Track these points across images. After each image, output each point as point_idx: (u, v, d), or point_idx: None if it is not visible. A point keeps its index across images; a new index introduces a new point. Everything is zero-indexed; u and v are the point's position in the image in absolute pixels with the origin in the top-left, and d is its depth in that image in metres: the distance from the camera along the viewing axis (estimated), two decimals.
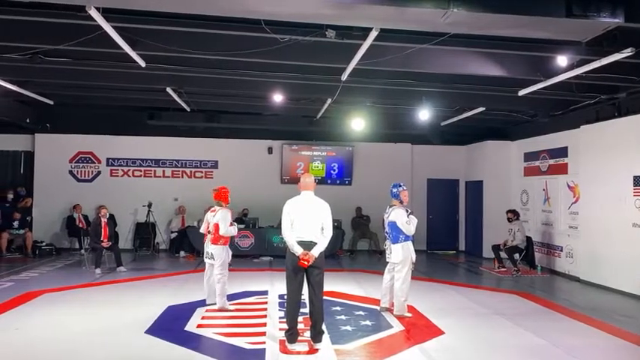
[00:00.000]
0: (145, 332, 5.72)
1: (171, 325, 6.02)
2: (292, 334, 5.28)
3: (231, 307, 6.91)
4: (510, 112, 10.94)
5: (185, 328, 5.93)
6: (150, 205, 12.42)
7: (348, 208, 13.02)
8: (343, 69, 7.57)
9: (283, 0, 5.04)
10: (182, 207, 12.90)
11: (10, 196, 12.28)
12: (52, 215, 12.77)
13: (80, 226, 12.26)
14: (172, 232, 12.75)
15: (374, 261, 11.86)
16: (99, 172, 13.24)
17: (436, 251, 13.84)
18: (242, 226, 11.80)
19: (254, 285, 8.55)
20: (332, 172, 13.80)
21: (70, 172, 13.14)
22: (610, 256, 8.75)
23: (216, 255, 6.84)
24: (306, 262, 5.15)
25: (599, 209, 9.09)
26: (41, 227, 12.58)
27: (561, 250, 10.52)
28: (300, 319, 5.49)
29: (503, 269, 10.41)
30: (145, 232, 12.65)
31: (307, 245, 5.22)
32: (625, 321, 6.69)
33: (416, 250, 6.87)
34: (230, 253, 7.08)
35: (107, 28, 5.94)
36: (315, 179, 5.69)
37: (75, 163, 13.18)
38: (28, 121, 11.91)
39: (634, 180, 8.29)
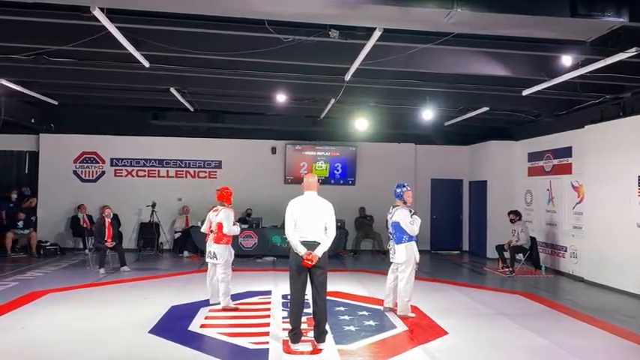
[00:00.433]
0: (149, 332, 5.73)
1: (174, 325, 6.03)
2: (296, 334, 5.28)
3: (235, 307, 6.91)
4: (514, 112, 10.91)
5: (188, 328, 5.94)
6: (154, 205, 12.45)
7: (351, 208, 13.02)
8: (347, 69, 7.57)
9: (286, 0, 5.04)
10: (186, 207, 12.92)
11: (14, 195, 12.32)
12: (57, 215, 12.81)
13: (84, 226, 12.31)
14: (176, 232, 12.77)
15: (377, 261, 11.85)
16: (103, 172, 13.29)
17: (440, 251, 13.81)
18: (245, 226, 11.82)
19: (257, 285, 8.56)
20: (335, 172, 13.79)
21: (75, 172, 13.18)
22: (614, 257, 8.71)
23: (219, 254, 6.85)
24: (309, 262, 5.15)
25: (603, 209, 9.06)
26: (46, 227, 12.62)
27: (565, 251, 10.48)
28: (303, 319, 5.49)
29: (507, 269, 10.38)
30: (148, 232, 12.68)
31: (311, 245, 5.22)
32: (629, 321, 6.67)
33: (419, 250, 6.86)
34: (232, 252, 7.09)
35: (111, 28, 5.96)
36: (318, 179, 5.69)
37: (79, 163, 13.23)
38: (32, 121, 11.96)
39: (639, 180, 8.26)
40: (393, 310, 6.80)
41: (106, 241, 9.89)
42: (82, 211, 12.55)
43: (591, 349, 5.55)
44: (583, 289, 9.13)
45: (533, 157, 11.83)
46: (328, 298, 5.60)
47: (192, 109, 11.47)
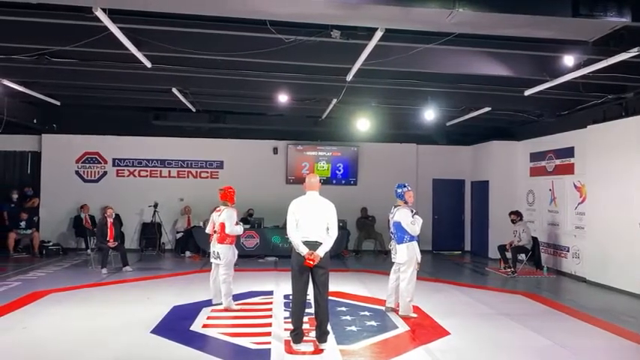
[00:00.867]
0: (151, 332, 5.74)
1: (176, 325, 6.04)
2: (297, 335, 5.28)
3: (237, 307, 6.92)
4: (516, 112, 10.89)
5: (190, 328, 5.95)
6: (156, 206, 12.46)
7: (353, 208, 13.02)
8: (348, 69, 7.57)
9: (289, 0, 5.05)
10: (188, 207, 12.92)
11: (15, 196, 12.34)
12: (59, 215, 12.84)
13: (87, 226, 12.33)
14: (178, 232, 12.78)
15: (379, 261, 11.84)
16: (105, 173, 13.30)
17: (442, 251, 13.81)
18: (247, 226, 11.82)
19: (259, 285, 8.56)
20: (337, 172, 13.80)
21: (77, 173, 13.20)
22: (617, 257, 8.70)
23: (222, 254, 6.85)
24: (311, 262, 5.16)
25: (605, 209, 9.04)
26: (48, 227, 12.65)
27: (568, 251, 10.47)
28: (305, 319, 5.50)
29: (509, 270, 10.36)
30: (150, 232, 12.70)
31: (312, 245, 5.23)
32: (632, 322, 6.65)
33: (421, 251, 6.85)
34: (236, 252, 7.09)
35: (113, 29, 5.98)
36: (320, 179, 5.69)
37: (81, 163, 13.25)
38: (35, 121, 11.99)
39: None
40: (395, 311, 6.79)
41: (108, 241, 9.91)
42: (84, 211, 12.58)
43: (593, 349, 5.55)
44: (585, 289, 9.12)
45: (536, 157, 11.81)
46: (330, 298, 5.60)
47: (194, 110, 11.48)
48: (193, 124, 12.70)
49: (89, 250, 11.34)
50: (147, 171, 13.45)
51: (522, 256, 10.65)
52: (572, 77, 7.47)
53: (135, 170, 13.42)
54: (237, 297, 7.30)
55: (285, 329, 5.78)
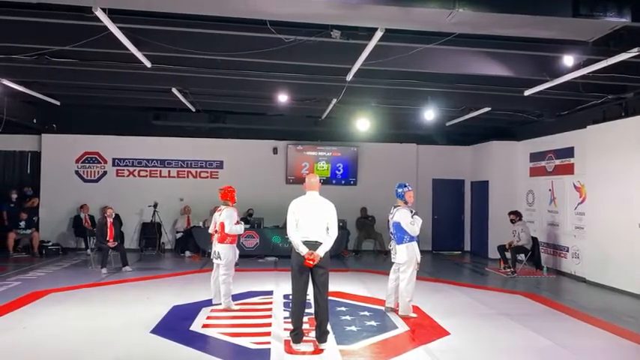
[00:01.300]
0: (151, 332, 5.74)
1: (176, 325, 6.03)
2: (297, 334, 5.28)
3: (236, 307, 6.92)
4: (516, 112, 10.90)
5: (190, 328, 5.94)
6: (155, 205, 12.46)
7: (353, 208, 13.02)
8: (348, 69, 7.57)
9: (289, 0, 5.04)
10: (187, 207, 12.92)
11: (15, 195, 12.34)
12: (59, 215, 12.84)
13: (86, 226, 12.33)
14: (178, 232, 12.79)
15: (379, 261, 11.85)
16: (105, 172, 13.30)
17: (441, 251, 13.81)
18: (247, 226, 11.81)
19: (259, 285, 8.56)
20: (337, 172, 13.80)
21: (77, 173, 13.20)
22: (616, 257, 8.70)
23: (223, 254, 6.84)
24: (311, 262, 5.15)
25: (605, 210, 9.05)
26: (48, 227, 12.65)
27: (567, 251, 10.47)
28: (305, 319, 5.49)
29: (509, 270, 10.36)
30: (150, 232, 12.70)
31: (312, 245, 5.23)
32: (632, 322, 6.65)
33: (421, 251, 6.85)
34: (237, 252, 7.09)
35: (113, 28, 5.98)
36: (320, 179, 5.69)
37: (81, 163, 13.25)
38: (34, 121, 12.00)
39: None
40: (395, 311, 6.79)
41: (107, 241, 9.91)
42: (84, 211, 12.57)
43: (594, 349, 5.55)
44: (585, 289, 9.12)
45: (535, 157, 11.81)
46: (330, 298, 5.60)
47: (193, 110, 11.48)
48: (193, 124, 12.70)
49: (89, 250, 11.33)
50: (147, 171, 13.45)
51: (522, 256, 10.65)
52: (572, 77, 7.47)
53: (135, 170, 13.41)
54: (236, 297, 7.31)
55: (285, 329, 5.78)
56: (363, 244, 13.09)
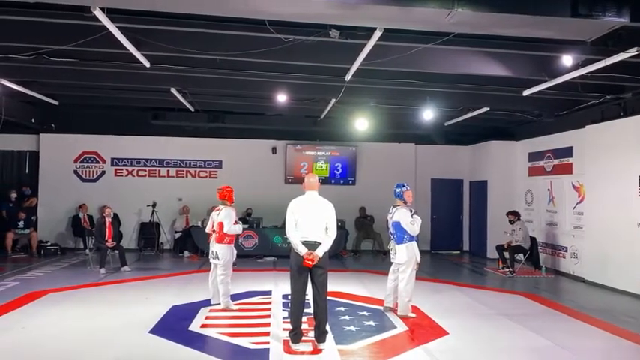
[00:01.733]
0: (149, 332, 5.73)
1: (175, 325, 6.03)
2: (296, 334, 5.28)
3: (235, 307, 6.91)
4: (515, 112, 10.91)
5: (189, 328, 5.94)
6: (154, 205, 12.45)
7: (351, 208, 13.02)
8: (347, 69, 7.57)
9: (289, 0, 5.04)
10: (186, 207, 12.91)
11: (14, 195, 12.32)
12: (57, 215, 12.82)
13: (85, 226, 12.31)
14: (176, 232, 12.78)
15: (378, 261, 11.85)
16: (103, 172, 13.29)
17: (440, 251, 13.82)
18: (245, 226, 11.81)
19: (258, 285, 8.55)
20: (336, 172, 13.80)
21: (75, 172, 13.19)
22: (615, 257, 8.71)
23: (221, 254, 6.84)
24: (310, 262, 5.15)
25: (604, 209, 9.06)
26: (46, 227, 12.63)
27: (566, 251, 10.48)
28: (304, 319, 5.49)
29: (507, 269, 10.37)
30: (149, 231, 12.69)
31: (311, 245, 5.22)
32: (630, 322, 6.66)
33: (420, 250, 6.85)
34: (235, 252, 7.08)
35: (112, 28, 5.97)
36: (319, 179, 5.69)
37: (80, 163, 13.23)
38: (33, 121, 11.97)
39: (639, 180, 8.25)
40: (394, 310, 6.79)
41: (106, 241, 9.90)
42: (83, 210, 12.55)
43: (593, 349, 5.56)
44: (583, 289, 9.13)
45: (534, 157, 11.82)
46: (329, 298, 5.60)
47: (192, 109, 11.47)
48: (192, 123, 12.70)
49: (87, 250, 11.32)
50: (145, 171, 13.44)
51: (520, 256, 10.66)
52: (571, 77, 7.48)
53: (133, 170, 13.40)
54: (235, 297, 7.30)
55: (284, 329, 5.78)
56: (361, 244, 13.08)
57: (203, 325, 6.08)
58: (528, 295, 8.21)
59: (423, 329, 6.08)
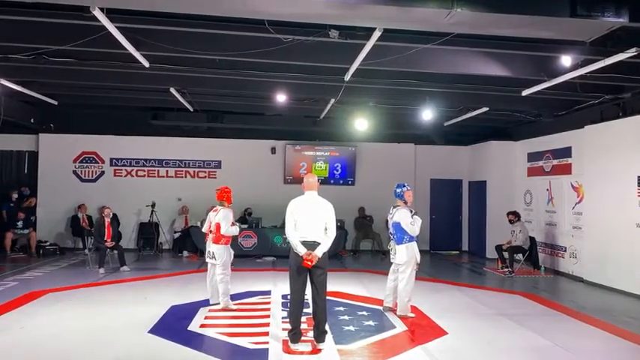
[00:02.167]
0: (148, 332, 5.73)
1: (174, 325, 6.03)
2: (295, 334, 5.28)
3: (235, 307, 6.91)
4: (514, 112, 10.91)
5: (188, 328, 5.94)
6: (153, 205, 12.45)
7: (351, 208, 13.02)
8: (346, 69, 7.57)
9: (287, 0, 5.04)
10: (185, 207, 12.91)
11: (15, 195, 12.32)
12: (56, 215, 12.81)
13: (84, 226, 12.29)
14: (175, 232, 12.78)
15: (377, 261, 11.85)
16: (102, 172, 13.28)
17: (439, 251, 13.82)
18: (245, 226, 11.82)
19: (257, 285, 8.55)
20: (335, 172, 13.80)
21: (74, 172, 13.18)
22: (614, 257, 8.72)
23: (218, 255, 6.83)
24: (309, 262, 5.15)
25: (603, 209, 9.07)
26: (45, 227, 12.62)
27: (565, 251, 10.49)
28: (303, 319, 5.49)
29: (506, 270, 10.38)
30: (148, 231, 12.69)
31: (311, 245, 5.22)
32: (630, 322, 6.66)
33: (419, 251, 6.84)
34: (232, 252, 7.08)
35: (111, 28, 5.96)
36: (318, 179, 5.68)
37: (79, 163, 13.22)
38: (32, 121, 11.96)
39: (638, 180, 8.26)
40: (393, 310, 6.79)
41: (105, 241, 9.89)
42: (82, 211, 12.53)
43: (592, 350, 5.56)
44: (582, 289, 9.13)
45: (533, 157, 11.83)
46: (328, 298, 5.60)
47: (191, 109, 11.47)
48: (191, 123, 12.70)
49: (86, 250, 11.30)
50: (144, 171, 13.43)
51: (520, 256, 10.67)
52: (570, 77, 7.48)
53: (132, 170, 13.40)
54: (234, 297, 7.30)
55: (283, 329, 5.78)
56: (361, 244, 13.08)
57: (202, 325, 6.08)
58: (527, 295, 8.21)
59: (423, 329, 6.08)
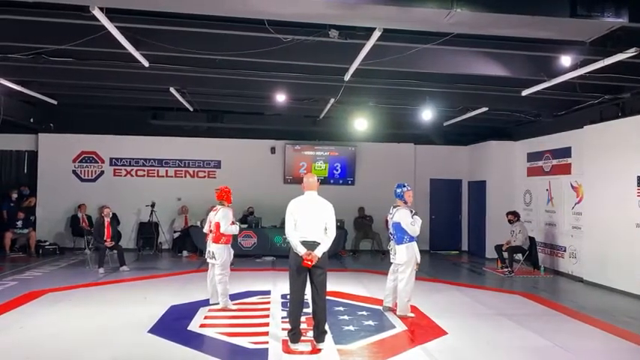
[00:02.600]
0: (148, 332, 5.73)
1: (174, 325, 6.03)
2: (295, 334, 5.28)
3: (234, 307, 6.91)
4: (514, 112, 10.91)
5: (188, 328, 5.94)
6: (153, 205, 12.44)
7: (350, 208, 13.02)
8: (346, 69, 7.57)
9: (287, 0, 5.04)
10: (185, 207, 12.91)
11: (15, 195, 12.31)
12: (56, 215, 12.80)
13: (84, 225, 12.29)
14: (175, 232, 12.78)
15: (376, 261, 11.86)
16: (102, 172, 13.28)
17: (439, 251, 13.82)
18: (244, 225, 11.81)
19: (257, 285, 8.55)
20: (335, 172, 13.80)
21: (74, 172, 13.17)
22: (614, 257, 8.72)
23: (217, 254, 6.83)
24: (309, 263, 5.15)
25: (602, 209, 9.07)
26: (45, 227, 12.62)
27: (564, 251, 10.49)
28: (303, 318, 5.50)
29: (506, 270, 10.38)
30: (148, 231, 12.68)
31: (310, 245, 5.22)
32: (629, 322, 6.67)
33: (419, 251, 6.84)
34: (232, 252, 7.07)
35: (111, 28, 5.96)
36: (318, 179, 5.68)
37: (78, 162, 13.22)
38: (31, 120, 11.94)
39: (638, 180, 8.27)
40: (393, 310, 6.79)
41: (105, 241, 9.89)
42: (82, 210, 12.53)
43: (592, 350, 5.56)
44: (582, 289, 9.14)
45: (533, 157, 11.84)
46: (328, 297, 5.60)
47: (191, 109, 11.46)
48: (191, 123, 12.69)
49: (87, 250, 11.29)
50: (144, 170, 13.43)
51: (519, 256, 10.67)
52: (570, 77, 7.48)
53: (132, 170, 13.39)
54: (234, 297, 7.30)
55: (283, 329, 5.78)
56: (360, 244, 13.08)
57: (202, 325, 6.08)
58: (527, 295, 8.21)
59: (422, 329, 6.09)
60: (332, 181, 13.63)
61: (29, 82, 9.47)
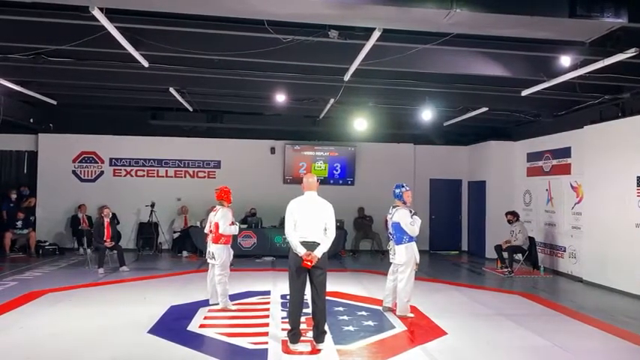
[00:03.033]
0: (148, 332, 5.73)
1: (173, 325, 6.03)
2: (295, 334, 5.28)
3: (234, 307, 6.91)
4: (513, 112, 10.92)
5: (188, 328, 5.94)
6: (153, 205, 12.44)
7: (350, 208, 13.02)
8: (346, 69, 7.57)
9: (287, 0, 5.04)
10: (185, 207, 12.91)
11: (14, 195, 12.31)
12: (56, 215, 12.80)
13: (84, 226, 12.28)
14: (175, 232, 12.77)
15: (376, 261, 11.86)
16: (102, 172, 13.27)
17: (439, 251, 13.82)
18: (244, 226, 11.81)
19: (256, 285, 8.55)
20: (334, 172, 13.80)
21: (74, 172, 13.17)
22: (613, 257, 8.72)
23: (217, 255, 6.83)
24: (309, 263, 5.15)
25: (602, 210, 9.07)
26: (44, 227, 12.62)
27: (564, 251, 10.49)
28: (302, 319, 5.49)
29: (506, 270, 10.38)
30: (147, 231, 12.68)
31: (310, 246, 5.22)
32: (629, 322, 6.67)
33: (418, 251, 6.84)
34: (231, 252, 7.07)
35: (110, 28, 5.96)
36: (317, 179, 5.68)
37: (78, 163, 13.22)
38: (31, 121, 11.94)
39: (637, 180, 8.27)
40: (392, 310, 6.79)
41: (105, 241, 9.89)
42: (82, 211, 12.52)
43: (592, 350, 5.56)
44: (582, 289, 9.14)
45: (532, 157, 11.84)
46: (327, 298, 5.59)
47: (191, 109, 11.46)
48: (190, 123, 12.69)
49: (88, 250, 11.30)
50: (144, 170, 13.42)
51: (519, 256, 10.67)
52: (569, 78, 7.48)
53: (132, 170, 13.39)
54: (234, 297, 7.30)
55: (283, 329, 5.78)
56: (360, 244, 13.09)
57: (202, 326, 6.08)
58: (527, 296, 8.22)
59: (422, 329, 6.09)
60: (332, 182, 13.63)
61: (29, 83, 9.48)
